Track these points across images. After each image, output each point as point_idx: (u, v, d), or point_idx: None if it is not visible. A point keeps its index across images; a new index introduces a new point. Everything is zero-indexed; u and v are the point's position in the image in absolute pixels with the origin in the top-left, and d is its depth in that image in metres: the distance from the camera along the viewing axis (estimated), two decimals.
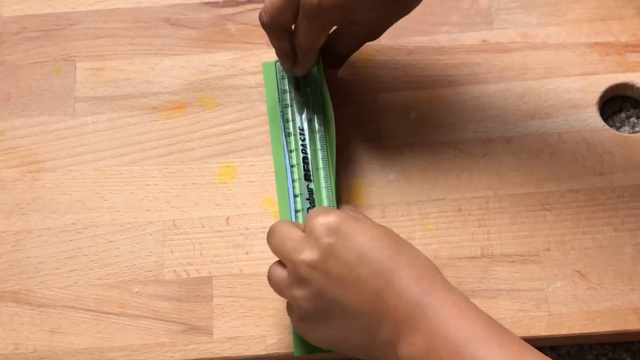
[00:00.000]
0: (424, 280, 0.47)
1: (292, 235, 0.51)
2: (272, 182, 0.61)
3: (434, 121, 0.62)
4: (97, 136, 0.62)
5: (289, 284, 0.51)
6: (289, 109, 0.61)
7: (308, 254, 0.49)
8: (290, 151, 0.60)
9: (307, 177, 0.59)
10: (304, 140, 0.60)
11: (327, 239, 0.49)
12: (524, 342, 0.45)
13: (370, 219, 0.54)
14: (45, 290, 0.58)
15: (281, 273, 0.52)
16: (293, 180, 0.60)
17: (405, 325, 0.46)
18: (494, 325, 0.46)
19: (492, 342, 0.44)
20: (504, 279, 0.58)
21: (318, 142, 0.60)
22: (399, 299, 0.47)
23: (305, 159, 0.60)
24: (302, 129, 0.61)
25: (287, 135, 0.61)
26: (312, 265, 0.49)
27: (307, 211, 0.58)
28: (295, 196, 0.59)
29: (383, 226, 0.52)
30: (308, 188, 0.59)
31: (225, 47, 0.65)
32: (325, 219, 0.50)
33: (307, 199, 0.59)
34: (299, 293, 0.50)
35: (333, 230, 0.49)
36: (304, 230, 0.51)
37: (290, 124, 0.61)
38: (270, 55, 0.64)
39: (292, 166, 0.60)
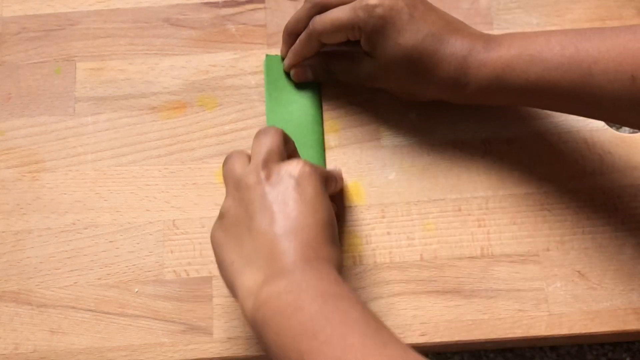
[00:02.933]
0: (305, 249, 0.48)
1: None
2: None
3: (434, 121, 0.62)
4: (97, 136, 0.62)
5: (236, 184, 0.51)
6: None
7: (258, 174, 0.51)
8: None
9: None
10: None
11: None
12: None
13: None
14: (45, 290, 0.58)
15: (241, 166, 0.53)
16: None
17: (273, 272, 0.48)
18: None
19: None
20: (503, 279, 0.58)
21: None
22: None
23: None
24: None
25: None
26: (259, 181, 0.50)
27: None
28: None
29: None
30: None
31: (225, 47, 0.65)
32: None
33: None
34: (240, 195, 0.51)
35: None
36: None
37: None
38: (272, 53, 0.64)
39: None
